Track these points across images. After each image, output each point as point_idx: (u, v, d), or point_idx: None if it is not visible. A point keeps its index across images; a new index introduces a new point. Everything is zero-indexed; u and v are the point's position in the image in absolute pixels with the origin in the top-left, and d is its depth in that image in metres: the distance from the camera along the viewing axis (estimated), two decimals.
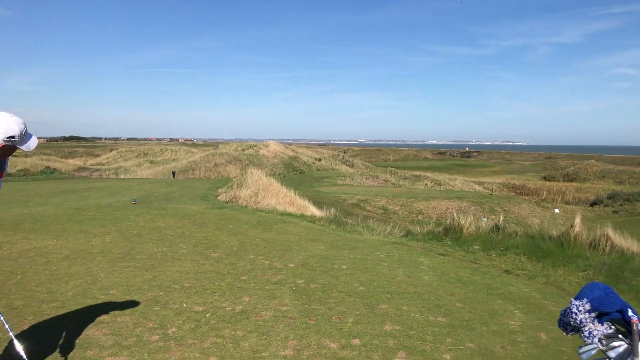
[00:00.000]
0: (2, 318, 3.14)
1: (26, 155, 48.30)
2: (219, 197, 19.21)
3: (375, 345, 4.51)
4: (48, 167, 39.20)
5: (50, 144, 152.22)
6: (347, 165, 76.16)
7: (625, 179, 75.50)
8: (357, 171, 65.11)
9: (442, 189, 50.61)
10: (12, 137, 2.94)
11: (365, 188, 44.10)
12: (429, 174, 63.16)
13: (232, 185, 22.78)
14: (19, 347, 3.16)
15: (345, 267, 7.65)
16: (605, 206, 49.41)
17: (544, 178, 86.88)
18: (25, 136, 3.02)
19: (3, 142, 2.90)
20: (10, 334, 3.14)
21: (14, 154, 3.16)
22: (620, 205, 48.04)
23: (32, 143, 3.08)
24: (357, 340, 4.62)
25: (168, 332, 4.68)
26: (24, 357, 3.14)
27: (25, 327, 4.73)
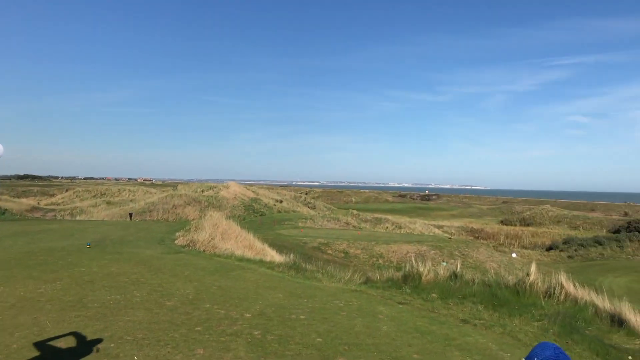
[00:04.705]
0: None
1: None
2: (176, 241, 18.84)
3: None
4: None
5: (3, 182, 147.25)
6: (308, 207, 76.19)
7: (579, 224, 77.82)
8: (319, 213, 65.16)
9: (402, 232, 51.06)
10: None
11: (327, 231, 44.09)
12: (389, 217, 63.79)
13: (189, 229, 22.37)
14: None
15: (303, 317, 7.54)
16: (560, 251, 50.76)
17: (502, 222, 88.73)
18: None
19: None
20: None
21: None
22: (575, 250, 49.45)
23: None
24: None
25: None
26: None
27: None
